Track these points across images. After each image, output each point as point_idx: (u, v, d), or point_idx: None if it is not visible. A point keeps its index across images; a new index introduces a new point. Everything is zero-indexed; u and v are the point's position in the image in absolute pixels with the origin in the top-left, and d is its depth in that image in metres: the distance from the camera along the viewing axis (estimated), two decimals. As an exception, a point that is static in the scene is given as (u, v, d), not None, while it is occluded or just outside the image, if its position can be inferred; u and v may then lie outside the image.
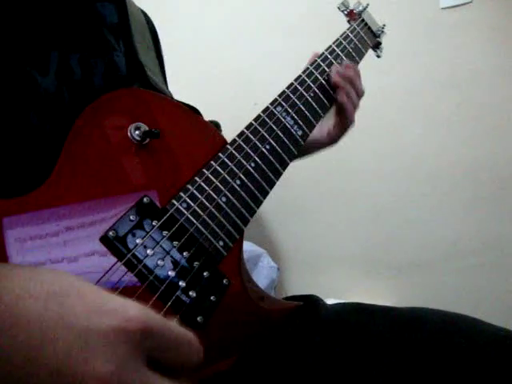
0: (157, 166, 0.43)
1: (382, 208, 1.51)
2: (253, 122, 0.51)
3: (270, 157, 0.51)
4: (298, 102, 0.56)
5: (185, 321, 0.38)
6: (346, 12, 0.71)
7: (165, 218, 0.41)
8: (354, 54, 0.67)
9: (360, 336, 0.48)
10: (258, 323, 0.48)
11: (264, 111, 0.53)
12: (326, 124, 0.68)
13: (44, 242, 0.34)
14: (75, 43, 0.45)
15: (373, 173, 1.52)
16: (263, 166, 0.50)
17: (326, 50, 0.64)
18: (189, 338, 0.27)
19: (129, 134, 0.42)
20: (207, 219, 0.44)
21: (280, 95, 0.55)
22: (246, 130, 0.50)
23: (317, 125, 0.58)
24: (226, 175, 0.46)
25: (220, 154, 0.47)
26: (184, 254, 0.41)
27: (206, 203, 0.44)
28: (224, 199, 0.46)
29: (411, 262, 1.50)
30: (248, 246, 1.38)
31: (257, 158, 0.49)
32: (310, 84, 0.58)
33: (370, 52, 0.76)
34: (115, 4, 0.53)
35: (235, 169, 0.47)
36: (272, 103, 0.54)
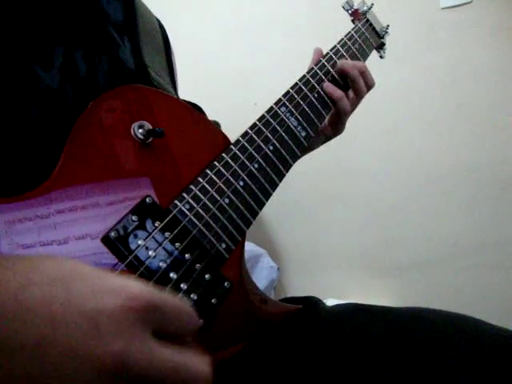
0: (159, 164, 0.43)
1: (381, 208, 1.51)
2: (257, 123, 0.51)
3: (274, 158, 0.50)
4: (302, 103, 0.55)
5: None
6: (350, 11, 0.70)
7: (167, 219, 0.40)
8: (358, 54, 0.66)
9: (360, 337, 0.48)
10: (258, 326, 0.47)
11: (268, 111, 0.52)
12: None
13: (33, 224, 0.34)
14: (80, 39, 0.45)
15: (373, 173, 1.51)
16: (266, 167, 0.49)
17: (331, 50, 0.63)
18: (186, 308, 0.29)
19: (132, 132, 0.42)
20: (210, 221, 0.43)
21: (284, 95, 0.54)
22: (249, 131, 0.50)
23: (320, 126, 0.58)
24: (229, 176, 0.46)
25: (224, 155, 0.47)
26: (186, 256, 0.40)
27: (209, 205, 0.44)
28: (227, 201, 0.45)
29: (411, 262, 1.50)
30: (248, 246, 1.37)
31: (260, 159, 0.49)
32: (315, 85, 0.58)
33: (373, 52, 0.76)
34: (122, 2, 0.52)
35: (239, 170, 0.47)
36: (276, 103, 0.53)
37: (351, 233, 1.55)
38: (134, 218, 0.38)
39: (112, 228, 0.37)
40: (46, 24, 0.43)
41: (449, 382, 0.41)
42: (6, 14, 0.40)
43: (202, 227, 0.42)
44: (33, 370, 0.22)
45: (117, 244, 0.37)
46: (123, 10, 0.52)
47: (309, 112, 0.56)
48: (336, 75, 0.61)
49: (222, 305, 0.42)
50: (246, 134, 0.49)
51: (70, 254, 0.35)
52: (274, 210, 1.55)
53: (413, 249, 1.49)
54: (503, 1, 1.40)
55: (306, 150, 0.69)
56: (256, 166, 0.48)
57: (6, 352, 0.22)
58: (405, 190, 1.49)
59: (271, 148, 0.50)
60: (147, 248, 0.38)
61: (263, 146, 0.50)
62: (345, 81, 0.63)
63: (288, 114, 0.53)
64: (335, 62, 0.62)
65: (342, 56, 0.63)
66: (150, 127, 0.42)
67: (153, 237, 0.39)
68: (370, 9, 0.71)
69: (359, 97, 0.65)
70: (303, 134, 0.54)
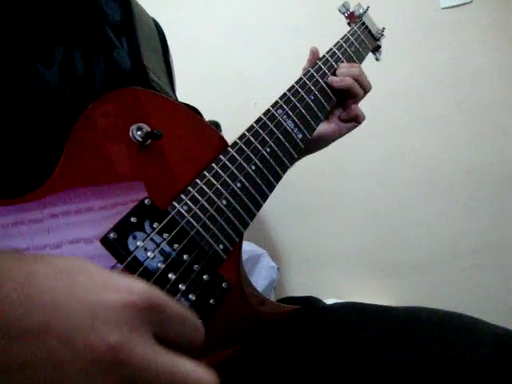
0: (157, 167, 0.43)
1: (381, 208, 1.52)
2: (254, 125, 0.51)
3: (271, 160, 0.51)
4: (298, 105, 0.56)
5: None
6: (346, 14, 0.71)
7: (166, 220, 0.41)
8: (354, 57, 0.67)
9: (358, 336, 0.48)
10: (256, 326, 0.48)
11: (265, 114, 0.52)
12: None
13: (27, 228, 0.34)
14: (78, 39, 0.45)
15: (373, 173, 1.52)
16: (264, 169, 0.50)
17: (328, 52, 0.63)
18: (191, 316, 0.28)
19: (130, 134, 0.42)
20: (208, 222, 0.44)
21: (281, 98, 0.55)
22: (247, 133, 0.50)
23: (317, 128, 0.58)
24: (227, 178, 0.46)
25: (221, 157, 0.47)
26: (184, 257, 0.41)
27: (207, 206, 0.44)
28: (225, 202, 0.45)
29: (411, 262, 1.50)
30: (248, 246, 1.38)
31: (257, 161, 0.49)
32: (311, 87, 0.58)
33: (370, 54, 0.76)
34: (119, 2, 0.53)
35: (236, 172, 0.47)
36: (273, 106, 0.54)
37: (351, 233, 1.55)
38: (133, 219, 0.39)
39: (111, 229, 0.37)
40: (47, 23, 0.43)
41: (446, 380, 0.41)
42: (9, 10, 0.40)
43: (199, 228, 0.43)
44: (31, 357, 0.22)
45: (116, 245, 0.37)
46: (121, 11, 0.53)
47: (305, 114, 0.56)
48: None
49: (221, 305, 0.42)
50: (243, 136, 0.50)
51: None
52: (274, 210, 1.55)
53: (413, 249, 1.49)
54: (503, 1, 1.40)
55: (307, 152, 0.70)
56: (253, 167, 0.49)
57: (7, 338, 0.22)
58: (405, 190, 1.49)
59: (268, 150, 0.51)
60: (146, 249, 0.38)
61: (260, 148, 0.50)
62: None
63: (285, 117, 0.54)
64: (332, 64, 0.62)
65: (339, 59, 0.64)
66: (149, 129, 0.42)
67: (151, 238, 0.39)
68: (365, 12, 0.71)
69: (356, 100, 0.65)
70: (300, 136, 0.55)
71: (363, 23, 0.71)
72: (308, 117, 0.56)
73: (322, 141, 0.67)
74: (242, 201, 0.47)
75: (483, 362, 0.41)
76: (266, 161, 0.50)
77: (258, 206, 0.49)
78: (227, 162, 0.47)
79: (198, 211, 0.43)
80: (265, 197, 0.50)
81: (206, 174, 0.45)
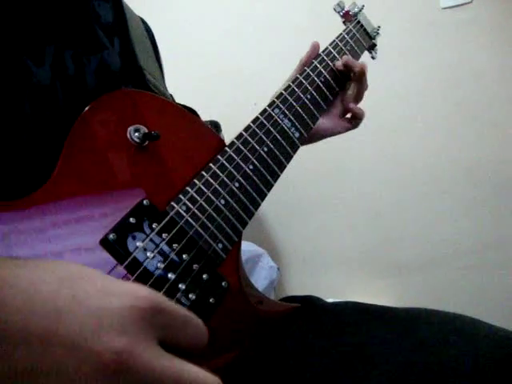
0: (155, 168, 0.44)
1: (381, 208, 1.52)
2: (251, 125, 0.51)
3: (268, 159, 0.51)
4: (295, 104, 0.56)
5: None
6: (341, 13, 0.71)
7: (165, 220, 0.41)
8: (350, 55, 0.67)
9: (358, 336, 0.48)
10: (256, 325, 0.48)
11: (262, 113, 0.53)
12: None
13: (28, 236, 0.34)
14: (69, 39, 0.45)
15: (372, 173, 1.52)
16: (261, 168, 0.50)
17: (323, 51, 0.64)
18: (195, 319, 0.28)
19: (128, 135, 0.42)
20: (206, 222, 0.44)
21: (278, 97, 0.55)
22: (244, 133, 0.50)
23: (314, 126, 0.58)
24: (224, 178, 0.47)
25: (219, 157, 0.47)
26: (184, 256, 0.41)
27: (206, 206, 0.44)
28: (223, 202, 0.46)
29: (411, 262, 1.50)
30: (248, 246, 1.38)
31: (255, 161, 0.50)
32: (307, 86, 0.59)
33: (368, 53, 0.76)
34: (111, 3, 0.53)
35: (234, 171, 0.48)
36: (270, 105, 0.54)
37: (351, 233, 1.56)
38: (132, 220, 0.39)
39: (110, 230, 0.37)
40: (39, 22, 0.43)
41: (446, 380, 0.41)
42: (1, 9, 0.40)
43: (198, 228, 0.43)
44: (34, 363, 0.22)
45: (115, 246, 0.37)
46: (113, 12, 0.53)
47: (302, 113, 0.57)
48: (328, 76, 0.62)
49: (221, 304, 0.42)
50: (240, 136, 0.50)
51: None
52: (274, 210, 1.55)
53: (413, 249, 1.50)
54: (503, 1, 1.40)
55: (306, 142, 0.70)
56: (251, 167, 0.49)
57: (12, 345, 0.22)
58: (405, 190, 1.49)
59: (265, 149, 0.51)
60: (145, 249, 0.38)
61: (257, 147, 0.50)
62: (338, 81, 0.63)
63: (281, 116, 0.54)
64: (327, 63, 0.63)
65: (335, 57, 0.64)
66: (146, 131, 0.43)
67: (151, 238, 0.39)
68: (360, 10, 0.71)
69: (361, 91, 0.65)
70: (297, 134, 0.55)
71: (358, 22, 0.71)
72: (305, 116, 0.57)
73: (316, 135, 0.68)
74: (240, 200, 0.47)
75: (483, 362, 0.41)
76: (264, 160, 0.51)
77: (257, 205, 0.49)
78: (225, 162, 0.47)
79: (196, 211, 0.43)
80: (263, 196, 0.50)
81: (204, 174, 0.46)
